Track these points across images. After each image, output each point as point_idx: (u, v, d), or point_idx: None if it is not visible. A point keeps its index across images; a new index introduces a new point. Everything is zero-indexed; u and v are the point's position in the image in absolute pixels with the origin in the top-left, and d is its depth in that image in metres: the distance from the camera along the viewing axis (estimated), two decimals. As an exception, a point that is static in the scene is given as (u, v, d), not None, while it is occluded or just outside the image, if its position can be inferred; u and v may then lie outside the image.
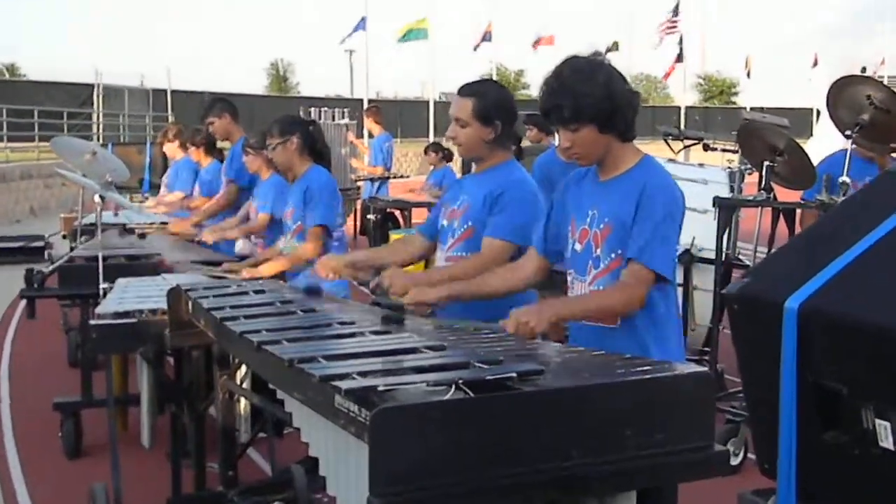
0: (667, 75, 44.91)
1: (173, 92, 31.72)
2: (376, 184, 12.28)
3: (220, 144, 7.95)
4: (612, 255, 3.00)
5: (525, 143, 9.13)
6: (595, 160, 3.10)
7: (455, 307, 3.42)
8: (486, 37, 36.82)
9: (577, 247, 3.12)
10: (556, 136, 3.39)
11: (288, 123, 5.20)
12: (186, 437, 4.50)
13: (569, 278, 3.18)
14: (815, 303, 2.34)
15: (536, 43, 38.81)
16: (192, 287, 3.83)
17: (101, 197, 5.04)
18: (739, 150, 6.60)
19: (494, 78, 39.62)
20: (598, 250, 3.04)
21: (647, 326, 3.00)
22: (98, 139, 25.10)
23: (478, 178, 3.76)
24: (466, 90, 3.66)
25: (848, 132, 5.09)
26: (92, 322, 4.09)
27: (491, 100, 3.62)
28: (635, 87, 3.19)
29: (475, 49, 38.09)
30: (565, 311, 2.98)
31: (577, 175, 3.25)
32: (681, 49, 39.34)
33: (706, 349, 6.34)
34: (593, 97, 2.94)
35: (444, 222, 3.80)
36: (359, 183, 13.07)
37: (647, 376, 2.24)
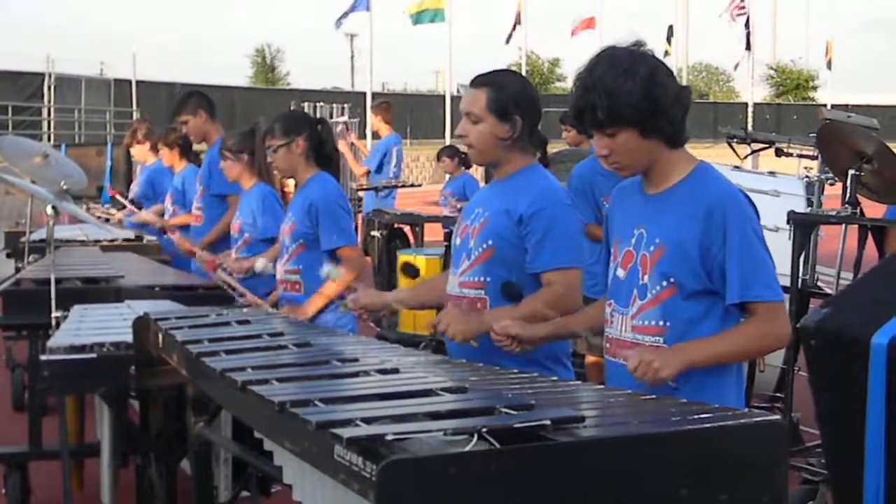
0: (737, 66, 45.07)
1: (139, 83, 31.92)
2: (381, 193, 12.27)
3: (195, 146, 8.00)
4: (664, 284, 3.01)
5: (561, 147, 9.16)
6: (639, 170, 3.13)
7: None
8: (517, 20, 36.96)
9: (620, 273, 3.14)
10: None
11: (293, 121, 5.13)
12: (154, 495, 4.52)
13: (607, 310, 3.20)
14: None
15: (575, 29, 38.97)
16: (163, 316, 3.85)
17: (54, 208, 5.08)
18: (819, 156, 6.61)
19: (524, 68, 39.83)
20: (646, 277, 3.05)
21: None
22: (49, 139, 25.26)
23: (496, 188, 3.78)
24: (480, 80, 3.70)
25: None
26: (42, 358, 4.12)
27: (509, 91, 3.64)
28: (694, 81, 3.23)
29: (508, 41, 38.20)
30: (699, 357, 2.95)
31: (624, 186, 3.28)
32: (748, 35, 39.28)
33: (778, 395, 6.34)
34: (632, 96, 2.97)
35: (458, 241, 3.81)
36: (360, 193, 13.07)
37: (708, 425, 2.25)
